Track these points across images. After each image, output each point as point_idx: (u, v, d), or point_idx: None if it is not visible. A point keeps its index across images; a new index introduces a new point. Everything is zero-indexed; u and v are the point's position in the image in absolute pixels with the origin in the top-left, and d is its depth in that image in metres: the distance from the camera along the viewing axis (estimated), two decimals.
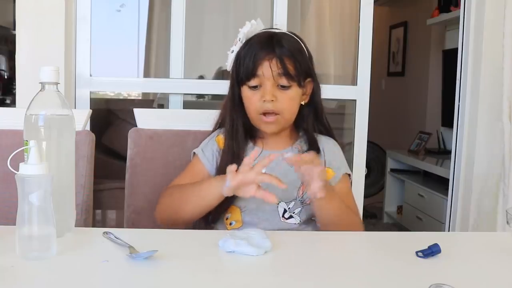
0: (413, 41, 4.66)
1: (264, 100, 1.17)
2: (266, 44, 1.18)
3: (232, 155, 1.21)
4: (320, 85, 1.27)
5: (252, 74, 1.17)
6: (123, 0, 3.01)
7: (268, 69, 1.16)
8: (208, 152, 1.26)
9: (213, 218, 1.23)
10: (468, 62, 2.31)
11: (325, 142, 1.27)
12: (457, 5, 3.43)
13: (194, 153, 1.28)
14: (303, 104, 1.24)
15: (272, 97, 1.17)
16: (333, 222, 1.14)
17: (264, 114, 1.19)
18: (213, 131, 1.31)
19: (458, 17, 2.42)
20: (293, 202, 1.21)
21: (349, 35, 2.58)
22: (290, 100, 1.19)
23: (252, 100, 1.19)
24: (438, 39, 4.14)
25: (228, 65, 1.25)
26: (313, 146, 1.24)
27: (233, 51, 1.24)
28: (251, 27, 1.22)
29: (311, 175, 1.04)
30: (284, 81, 1.17)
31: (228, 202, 1.20)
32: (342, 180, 1.25)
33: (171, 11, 2.23)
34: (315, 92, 1.26)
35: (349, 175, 1.28)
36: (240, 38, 1.22)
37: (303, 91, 1.23)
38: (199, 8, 2.59)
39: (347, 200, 1.21)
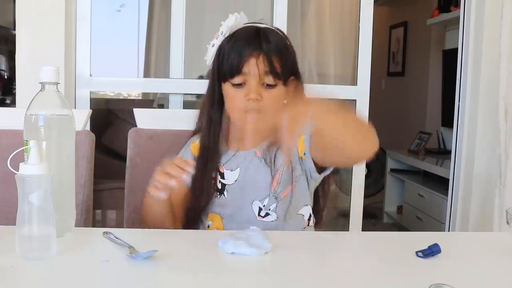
0: (413, 41, 4.67)
1: (249, 99, 1.12)
2: (253, 39, 1.13)
3: (204, 153, 1.19)
4: (304, 86, 1.21)
5: (237, 71, 1.12)
6: (123, 0, 3.01)
7: (254, 67, 1.12)
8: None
9: (192, 223, 1.21)
10: (468, 62, 2.31)
11: None
12: (457, 5, 3.43)
13: None
14: (284, 102, 1.19)
15: (257, 96, 1.12)
16: (343, 134, 0.99)
17: (248, 111, 1.14)
18: (192, 134, 1.28)
19: (458, 17, 2.42)
20: (267, 199, 1.17)
21: (349, 35, 2.58)
22: (275, 99, 1.14)
23: (235, 98, 1.14)
24: (438, 39, 4.14)
25: (208, 59, 1.20)
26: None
27: (213, 45, 1.18)
28: (235, 21, 1.16)
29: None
30: (270, 80, 1.13)
31: (205, 209, 1.19)
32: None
33: (171, 11, 2.23)
34: (298, 90, 1.21)
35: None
36: (222, 32, 1.17)
37: (286, 90, 1.18)
38: (199, 8, 2.59)
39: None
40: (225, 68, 1.14)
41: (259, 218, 1.17)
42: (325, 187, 1.27)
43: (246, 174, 1.19)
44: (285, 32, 1.23)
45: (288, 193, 1.18)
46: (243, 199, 1.18)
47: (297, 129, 0.91)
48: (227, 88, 1.16)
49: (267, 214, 1.17)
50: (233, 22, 1.16)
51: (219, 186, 1.20)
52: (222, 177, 1.20)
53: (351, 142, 1.00)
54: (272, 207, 1.17)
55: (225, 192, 1.19)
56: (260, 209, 1.18)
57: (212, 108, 1.20)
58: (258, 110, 1.13)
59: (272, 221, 1.17)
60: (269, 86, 1.14)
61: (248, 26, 1.18)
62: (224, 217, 1.18)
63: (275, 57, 1.13)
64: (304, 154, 1.17)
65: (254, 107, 1.13)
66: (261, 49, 1.12)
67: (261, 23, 1.20)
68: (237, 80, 1.13)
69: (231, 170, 1.19)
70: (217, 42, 1.17)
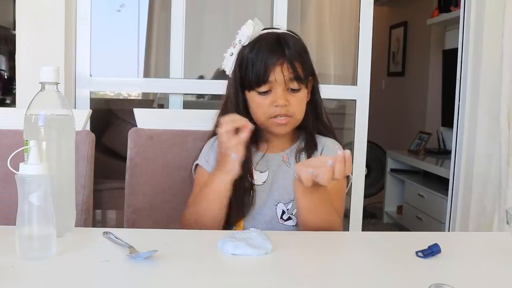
0: (413, 41, 4.67)
1: (277, 105, 1.15)
2: (275, 47, 1.16)
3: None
4: (318, 81, 1.26)
5: (264, 80, 1.15)
6: (123, 0, 3.02)
7: (280, 75, 1.14)
8: (212, 161, 1.22)
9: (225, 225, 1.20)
10: (468, 62, 2.31)
11: (324, 142, 1.25)
12: (457, 5, 3.43)
13: (197, 165, 1.25)
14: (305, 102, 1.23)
15: (285, 102, 1.15)
16: (311, 215, 1.10)
17: (275, 116, 1.17)
18: (212, 134, 1.28)
19: (458, 17, 2.42)
20: (291, 203, 1.19)
21: (349, 35, 2.58)
22: (300, 102, 1.19)
23: (263, 105, 1.17)
24: (438, 39, 4.14)
25: (228, 68, 1.22)
26: (311, 144, 1.23)
27: (232, 54, 1.20)
28: (254, 30, 1.18)
29: (325, 164, 0.99)
30: (295, 85, 1.16)
31: (242, 212, 1.18)
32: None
33: (171, 11, 2.23)
34: (315, 88, 1.25)
35: (347, 176, 1.22)
36: (240, 40, 1.19)
37: (307, 91, 1.22)
38: (199, 8, 2.59)
39: (334, 199, 1.16)
40: (250, 77, 1.16)
41: (281, 221, 1.19)
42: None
43: (274, 177, 1.21)
44: None
45: None
46: (268, 201, 1.19)
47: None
48: (252, 96, 1.18)
49: (289, 218, 1.19)
50: (251, 31, 1.17)
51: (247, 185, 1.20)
52: (252, 177, 1.21)
53: (314, 224, 1.10)
54: (295, 212, 1.19)
55: (251, 192, 1.19)
56: (283, 212, 1.19)
57: (238, 114, 1.19)
58: (286, 115, 1.17)
59: (293, 225, 1.19)
60: (293, 90, 1.17)
61: (268, 33, 1.20)
62: (247, 216, 1.19)
63: (297, 62, 1.16)
64: None
65: (282, 112, 1.16)
66: (284, 57, 1.15)
67: (278, 28, 1.23)
68: (263, 88, 1.16)
69: (261, 172, 1.21)
70: (235, 50, 1.20)
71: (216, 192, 1.13)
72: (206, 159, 1.24)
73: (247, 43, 1.18)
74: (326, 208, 1.12)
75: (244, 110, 1.20)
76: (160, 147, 1.41)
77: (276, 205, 1.19)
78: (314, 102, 1.26)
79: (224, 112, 1.25)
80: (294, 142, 1.26)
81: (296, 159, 1.22)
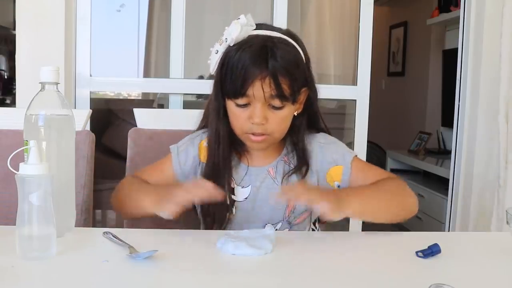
0: (413, 41, 4.67)
1: (253, 123, 1.05)
2: (259, 57, 1.01)
3: (213, 169, 1.11)
4: (318, 90, 1.14)
5: (241, 93, 1.03)
6: (123, 0, 3.02)
7: (259, 90, 1.01)
8: (183, 155, 1.17)
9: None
10: (468, 62, 2.32)
11: (316, 143, 1.16)
12: (457, 5, 3.43)
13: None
14: (295, 114, 1.11)
15: (262, 120, 1.04)
16: (384, 211, 1.13)
17: (252, 133, 1.07)
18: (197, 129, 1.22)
19: (458, 17, 2.42)
20: (280, 223, 1.13)
21: (349, 35, 2.58)
22: (281, 121, 1.07)
23: (239, 118, 1.06)
24: (438, 39, 4.14)
25: (212, 66, 1.10)
26: (303, 162, 1.13)
27: (217, 51, 1.08)
28: (241, 32, 1.04)
29: (310, 201, 0.96)
30: (277, 103, 1.04)
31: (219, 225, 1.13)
32: (354, 166, 1.14)
33: (171, 11, 2.23)
34: (311, 100, 1.13)
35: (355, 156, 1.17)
36: (226, 39, 1.06)
37: (297, 104, 1.10)
38: (199, 8, 2.59)
39: (372, 178, 1.12)
40: (228, 86, 1.05)
41: None
42: None
43: (258, 194, 1.13)
44: None
45: (304, 219, 1.16)
46: (253, 219, 1.13)
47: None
48: (230, 105, 1.08)
49: None
50: (238, 33, 1.04)
51: (228, 201, 1.12)
52: (232, 193, 1.13)
53: (384, 216, 1.14)
54: (284, 232, 1.14)
55: (233, 209, 1.12)
56: None
57: (218, 121, 1.11)
58: (263, 133, 1.07)
59: None
60: (275, 108, 1.05)
61: (256, 36, 1.05)
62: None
63: (283, 77, 1.02)
64: (338, 186, 1.16)
65: (259, 131, 1.06)
66: (267, 70, 1.01)
67: (273, 30, 1.08)
68: (240, 101, 1.05)
69: (242, 187, 1.13)
70: (221, 48, 1.07)
71: (136, 207, 1.07)
72: (178, 148, 1.18)
73: (232, 44, 1.05)
74: (378, 194, 1.09)
75: (226, 116, 1.10)
76: (160, 147, 1.40)
77: (264, 226, 1.11)
78: (309, 115, 1.15)
79: (205, 116, 1.18)
80: (279, 153, 1.16)
81: (283, 178, 1.12)
